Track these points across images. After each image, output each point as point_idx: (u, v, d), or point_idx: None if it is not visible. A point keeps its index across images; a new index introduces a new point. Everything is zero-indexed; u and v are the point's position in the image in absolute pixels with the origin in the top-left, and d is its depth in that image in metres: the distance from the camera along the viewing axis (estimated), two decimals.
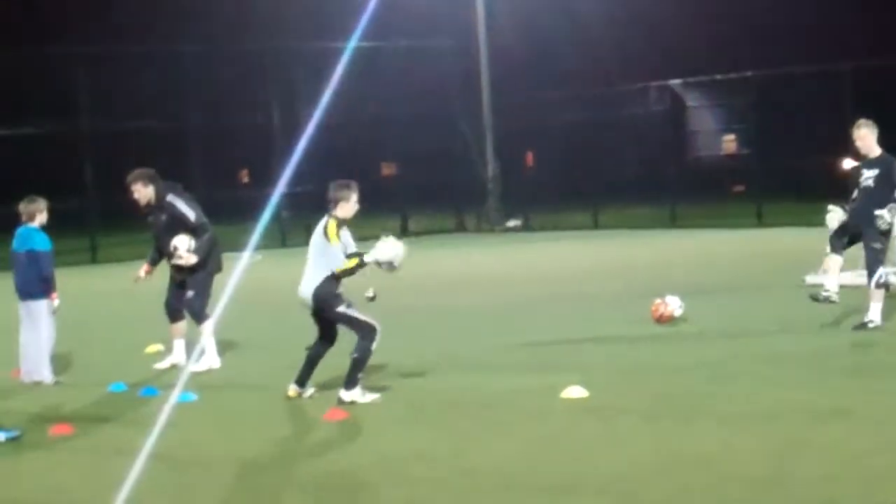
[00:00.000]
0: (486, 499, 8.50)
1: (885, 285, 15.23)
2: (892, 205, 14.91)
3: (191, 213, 14.60)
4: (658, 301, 16.40)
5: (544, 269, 26.78)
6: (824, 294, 15.36)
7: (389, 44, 39.21)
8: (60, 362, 14.88)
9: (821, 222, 15.91)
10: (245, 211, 29.16)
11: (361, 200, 12.34)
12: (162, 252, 14.81)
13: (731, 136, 49.89)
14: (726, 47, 44.45)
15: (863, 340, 14.32)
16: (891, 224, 15.01)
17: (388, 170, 48.37)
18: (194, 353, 14.39)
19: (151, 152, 43.39)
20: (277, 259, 28.96)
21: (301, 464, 9.91)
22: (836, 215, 15.62)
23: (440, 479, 9.13)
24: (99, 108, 37.19)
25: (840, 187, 16.55)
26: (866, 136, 15.29)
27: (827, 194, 22.39)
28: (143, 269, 14.92)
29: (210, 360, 14.65)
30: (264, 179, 38.14)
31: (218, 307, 14.07)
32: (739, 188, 41.86)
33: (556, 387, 11.95)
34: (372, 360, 12.05)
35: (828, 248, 15.71)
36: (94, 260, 34.63)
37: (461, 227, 42.36)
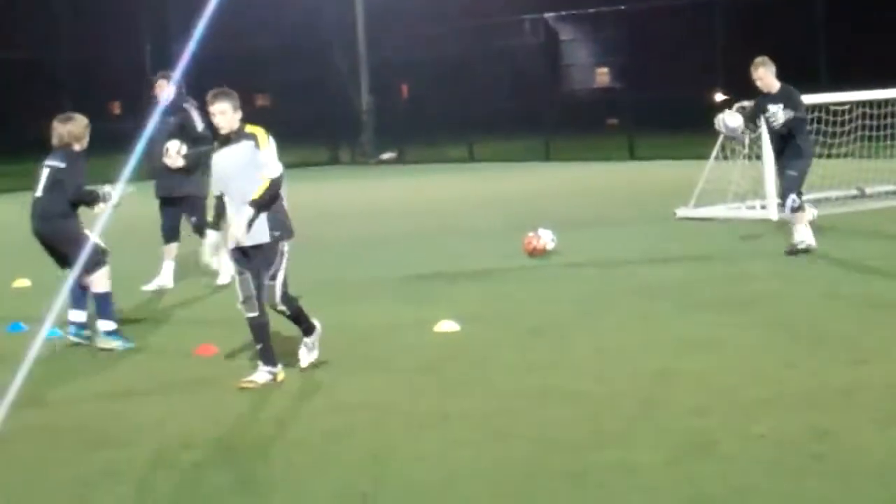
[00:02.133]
0: (358, 433, 8.42)
1: (800, 207, 15.42)
2: (782, 106, 15.25)
3: (199, 124, 14.87)
4: (531, 234, 16.43)
5: (419, 202, 26.73)
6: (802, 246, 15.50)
7: None
8: None
9: (692, 155, 16.07)
10: (118, 142, 28.67)
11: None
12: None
13: (604, 70, 50.17)
14: None
15: (734, 273, 14.45)
16: (782, 123, 15.28)
17: (262, 101, 47.91)
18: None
19: (22, 81, 42.69)
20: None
21: (170, 397, 9.73)
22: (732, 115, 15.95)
23: (312, 414, 9.04)
24: None
25: (711, 119, 16.66)
26: (765, 75, 15.53)
27: (698, 127, 22.68)
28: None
29: (166, 279, 15.28)
30: (136, 112, 37.56)
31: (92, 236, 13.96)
32: (612, 121, 42.12)
33: (430, 320, 11.91)
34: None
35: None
36: None
37: (335, 160, 42.14)
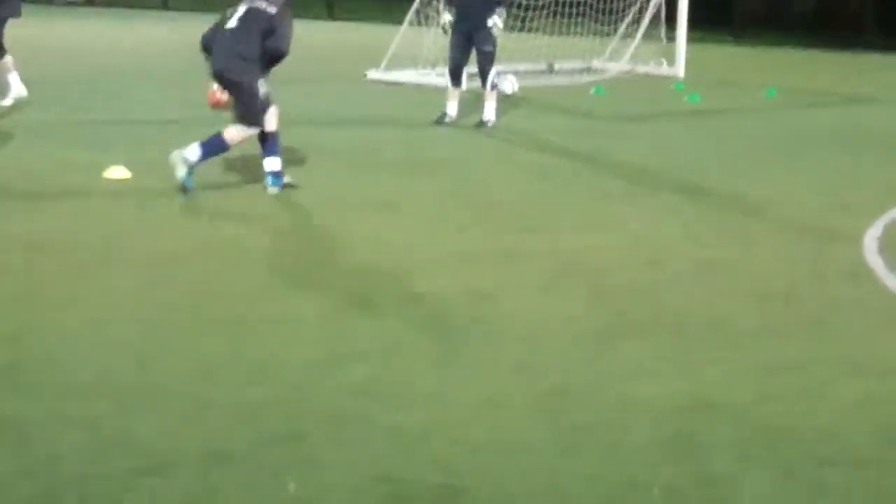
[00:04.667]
0: (18, 275, 8.09)
1: (494, 85, 15.48)
2: (499, 9, 15.27)
3: None
4: (215, 86, 16.05)
5: (105, 45, 25.98)
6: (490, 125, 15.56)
7: None
8: None
9: (389, 20, 15.96)
10: None
11: None
12: None
13: None
14: None
15: (416, 138, 14.49)
16: (501, 28, 15.39)
17: None
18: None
19: None
20: None
21: None
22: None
23: None
24: None
25: None
26: None
27: None
28: None
29: (18, 89, 15.63)
30: None
31: None
32: None
33: (101, 165, 11.54)
34: None
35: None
36: None
37: None
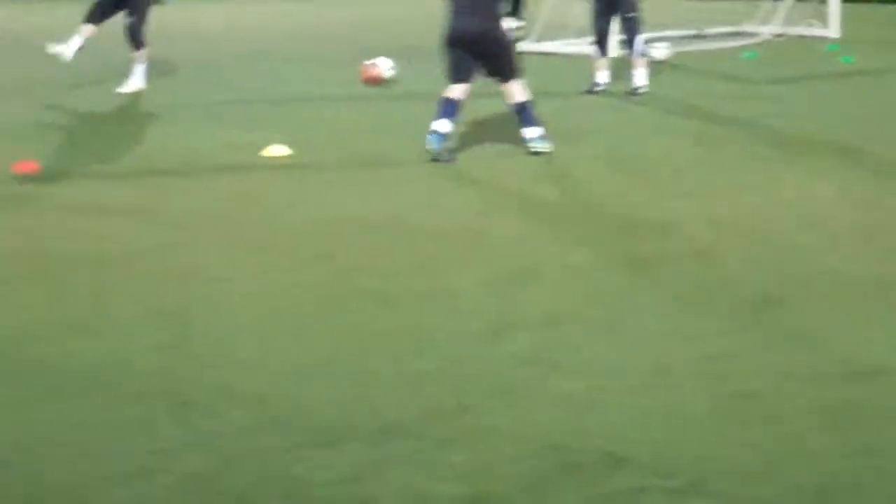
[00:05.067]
0: (172, 252, 8.28)
1: (643, 52, 15.44)
2: None
3: None
4: (368, 62, 16.21)
5: (253, 26, 26.30)
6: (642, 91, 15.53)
7: None
8: None
9: None
10: None
11: None
12: None
13: None
14: None
15: (570, 107, 14.50)
16: None
17: None
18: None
19: None
20: None
21: None
22: None
23: (129, 231, 8.84)
24: None
25: None
26: None
27: None
28: None
29: (138, 82, 15.70)
30: None
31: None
32: None
33: (259, 144, 11.74)
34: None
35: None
36: None
37: None
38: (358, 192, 10.07)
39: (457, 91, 11.30)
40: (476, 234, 8.75)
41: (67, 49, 15.24)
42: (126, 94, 15.50)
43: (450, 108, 11.28)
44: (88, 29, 15.38)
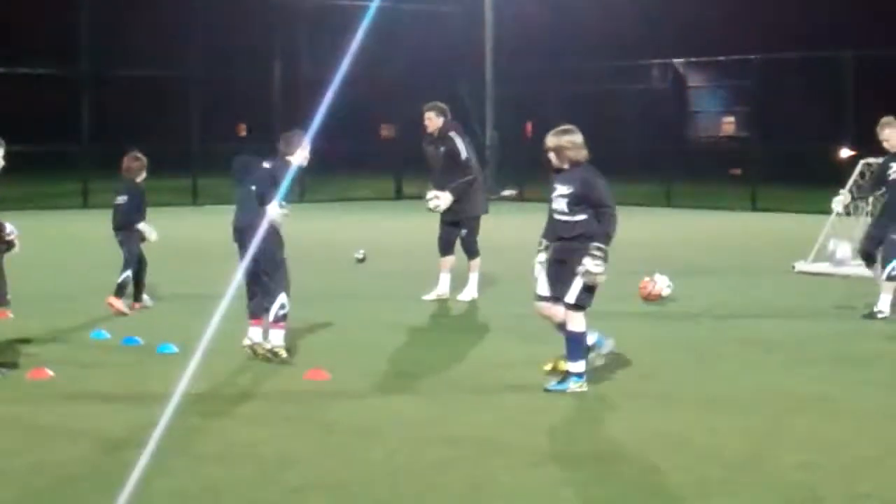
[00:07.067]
0: (463, 465, 8.47)
1: (893, 276, 15.13)
2: None
3: (463, 152, 16.15)
4: (647, 279, 16.39)
5: (535, 239, 26.73)
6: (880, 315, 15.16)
7: (396, 4, 38.82)
8: (39, 305, 14.83)
9: (815, 209, 15.96)
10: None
11: (359, 162, 12.40)
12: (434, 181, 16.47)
13: (731, 118, 49.88)
14: (730, 28, 44.15)
15: (848, 329, 14.31)
16: None
17: (386, 132, 48.22)
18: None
19: (150, 99, 43.41)
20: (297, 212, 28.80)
21: (273, 417, 9.86)
22: (843, 199, 15.96)
23: (421, 444, 9.07)
24: (100, 51, 37.12)
25: (837, 175, 16.56)
26: (891, 136, 15.20)
27: (824, 181, 22.46)
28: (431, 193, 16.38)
29: (472, 291, 16.38)
30: (261, 133, 37.96)
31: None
32: (736, 171, 41.79)
33: (540, 359, 11.92)
34: (369, 327, 11.99)
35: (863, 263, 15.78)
36: (85, 204, 34.54)
37: None
38: (637, 408, 10.13)
39: None
40: (755, 454, 8.70)
41: (439, 288, 16.36)
42: (462, 303, 16.22)
43: None
44: (448, 261, 16.43)
